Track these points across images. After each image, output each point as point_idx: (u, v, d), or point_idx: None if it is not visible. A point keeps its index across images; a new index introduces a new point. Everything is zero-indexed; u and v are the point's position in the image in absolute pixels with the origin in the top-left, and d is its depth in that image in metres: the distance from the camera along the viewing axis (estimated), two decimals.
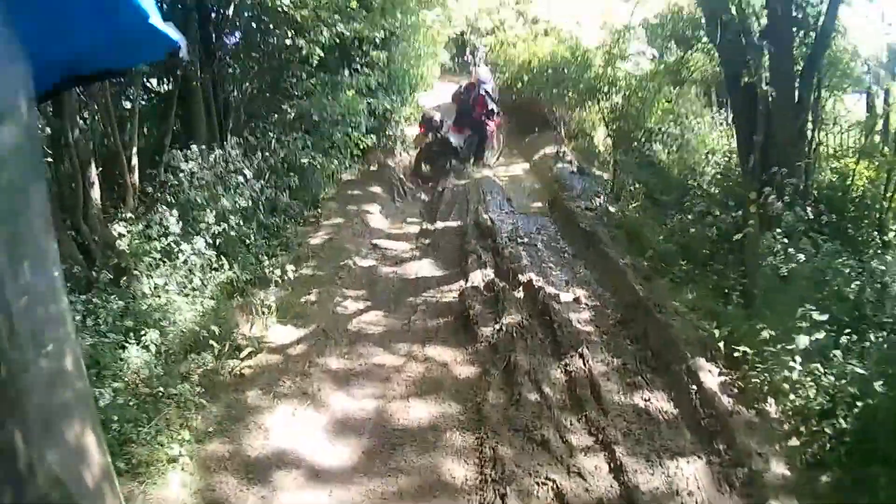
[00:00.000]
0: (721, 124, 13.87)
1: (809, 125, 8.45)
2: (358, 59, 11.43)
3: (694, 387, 5.33)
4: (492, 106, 13.49)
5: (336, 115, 10.25)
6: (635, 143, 12.33)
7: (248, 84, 10.24)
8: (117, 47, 1.17)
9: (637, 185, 11.68)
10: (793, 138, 7.95)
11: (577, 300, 7.74)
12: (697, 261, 8.35)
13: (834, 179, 9.34)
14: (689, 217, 9.15)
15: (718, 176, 11.20)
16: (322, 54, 9.75)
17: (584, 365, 5.96)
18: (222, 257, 6.83)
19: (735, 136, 10.10)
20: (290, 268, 7.37)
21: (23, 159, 0.88)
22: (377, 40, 11.34)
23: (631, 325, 7.04)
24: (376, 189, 12.13)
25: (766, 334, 5.25)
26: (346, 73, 11.10)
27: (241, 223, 7.84)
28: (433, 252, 9.60)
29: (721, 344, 5.76)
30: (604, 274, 8.55)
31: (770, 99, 7.89)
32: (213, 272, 6.63)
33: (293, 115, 10.15)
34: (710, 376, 5.40)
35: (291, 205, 9.56)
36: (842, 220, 8.03)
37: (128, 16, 1.01)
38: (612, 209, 10.81)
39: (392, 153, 14.01)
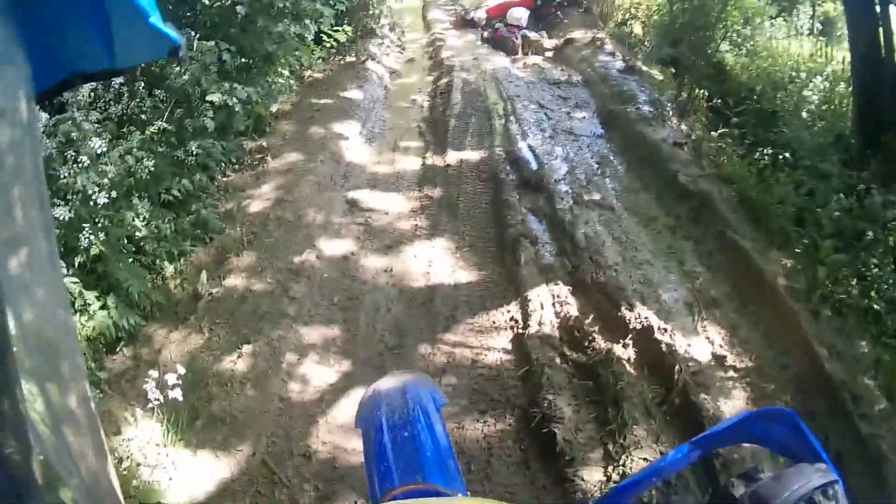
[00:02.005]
0: (801, 34, 10.05)
1: None
2: None
3: None
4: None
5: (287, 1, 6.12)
6: (708, 41, 8.36)
7: None
8: (117, 47, 0.94)
9: (712, 100, 8.22)
10: None
11: (720, 361, 4.35)
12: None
13: None
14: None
15: (823, 107, 7.87)
16: None
17: None
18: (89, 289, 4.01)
19: (851, 53, 7.15)
20: (204, 281, 4.57)
21: (23, 158, 0.80)
22: None
23: (820, 435, 3.78)
24: (354, 93, 7.95)
25: None
26: None
27: (114, 215, 4.34)
28: (449, 220, 5.86)
29: None
30: (739, 285, 5.14)
31: None
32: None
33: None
34: None
35: (210, 151, 5.57)
36: None
37: (128, 15, 0.85)
38: (702, 144, 7.14)
39: (372, 38, 9.73)
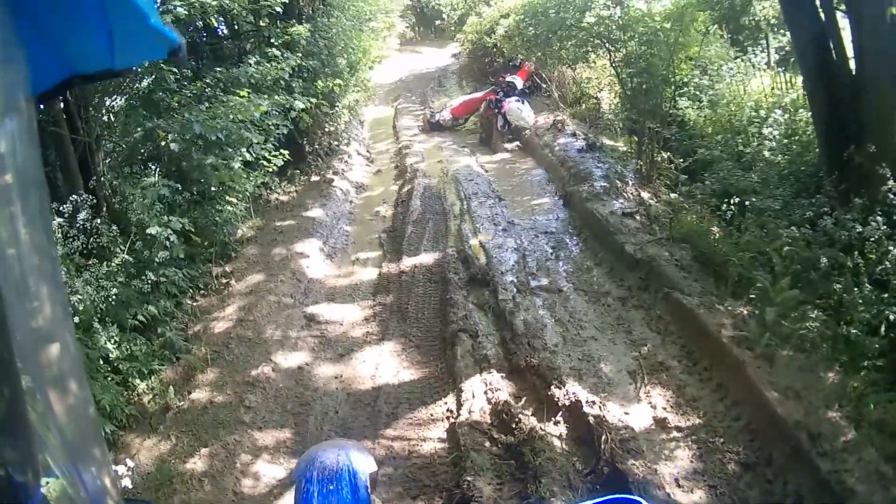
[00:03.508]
0: (759, 70, 10.11)
1: None
2: (273, 38, 8.30)
3: None
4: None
5: (218, 134, 6.55)
6: (660, 102, 8.57)
7: (112, 100, 7.03)
8: (117, 47, 1.00)
9: (671, 160, 8.22)
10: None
11: (661, 423, 4.29)
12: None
13: None
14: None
15: (785, 141, 7.65)
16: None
17: None
18: None
19: (802, 69, 6.84)
20: (172, 395, 5.03)
21: (23, 158, 0.81)
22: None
23: (778, 480, 3.75)
24: (316, 212, 8.42)
25: None
26: (253, 60, 7.62)
27: (87, 339, 4.82)
28: (399, 323, 6.03)
29: None
30: (687, 345, 5.14)
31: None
32: None
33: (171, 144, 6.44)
34: None
35: (173, 279, 5.98)
36: None
37: (128, 16, 0.90)
38: (655, 206, 7.29)
39: (337, 154, 10.31)
